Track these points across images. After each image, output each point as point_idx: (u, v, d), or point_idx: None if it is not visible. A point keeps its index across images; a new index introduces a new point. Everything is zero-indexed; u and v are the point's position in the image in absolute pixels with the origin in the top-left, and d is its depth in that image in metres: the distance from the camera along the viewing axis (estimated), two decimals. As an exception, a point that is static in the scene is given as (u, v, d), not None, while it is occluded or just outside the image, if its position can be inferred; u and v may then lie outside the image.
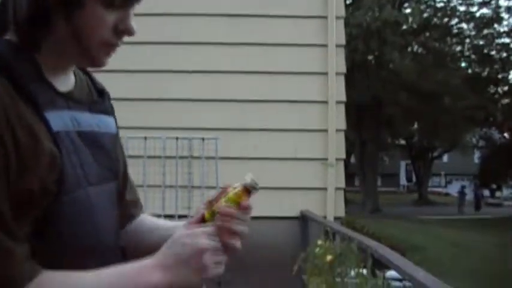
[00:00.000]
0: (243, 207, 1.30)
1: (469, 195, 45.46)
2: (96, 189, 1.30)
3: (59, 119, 1.23)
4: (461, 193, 43.33)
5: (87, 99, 1.40)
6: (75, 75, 1.40)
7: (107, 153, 1.40)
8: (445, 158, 59.42)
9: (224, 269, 1.27)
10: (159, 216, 3.39)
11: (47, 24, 1.26)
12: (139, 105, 7.10)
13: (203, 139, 6.56)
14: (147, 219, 1.63)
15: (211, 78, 7.30)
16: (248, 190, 1.32)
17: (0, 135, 1.10)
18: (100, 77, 1.56)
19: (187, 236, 1.24)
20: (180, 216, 6.05)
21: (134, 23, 1.32)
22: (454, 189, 53.76)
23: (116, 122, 1.52)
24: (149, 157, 6.39)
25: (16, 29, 1.26)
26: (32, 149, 1.13)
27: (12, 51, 1.24)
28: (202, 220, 1.32)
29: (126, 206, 1.55)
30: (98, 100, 1.45)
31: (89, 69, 1.49)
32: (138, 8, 1.32)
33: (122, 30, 1.30)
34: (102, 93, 1.49)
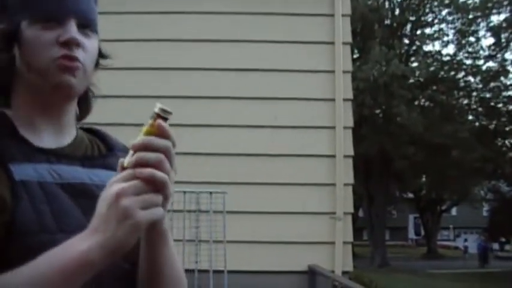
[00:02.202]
0: (159, 128, 1.19)
1: (476, 249, 45.33)
2: None
3: (32, 170, 1.27)
4: (465, 246, 44.11)
5: (83, 155, 1.43)
6: (76, 137, 1.45)
7: None
8: (454, 211, 59.15)
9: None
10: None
11: (11, 69, 1.34)
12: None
13: (211, 193, 6.53)
14: None
15: (218, 133, 7.34)
16: (160, 117, 1.20)
17: None
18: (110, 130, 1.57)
19: (104, 190, 1.14)
20: (187, 271, 6.00)
21: (76, 32, 1.33)
22: (462, 242, 53.49)
23: None
24: (157, 211, 6.37)
25: None
26: None
27: None
28: (123, 170, 1.16)
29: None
30: (97, 156, 1.47)
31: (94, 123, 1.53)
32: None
33: (65, 41, 1.32)
34: (112, 149, 1.51)
